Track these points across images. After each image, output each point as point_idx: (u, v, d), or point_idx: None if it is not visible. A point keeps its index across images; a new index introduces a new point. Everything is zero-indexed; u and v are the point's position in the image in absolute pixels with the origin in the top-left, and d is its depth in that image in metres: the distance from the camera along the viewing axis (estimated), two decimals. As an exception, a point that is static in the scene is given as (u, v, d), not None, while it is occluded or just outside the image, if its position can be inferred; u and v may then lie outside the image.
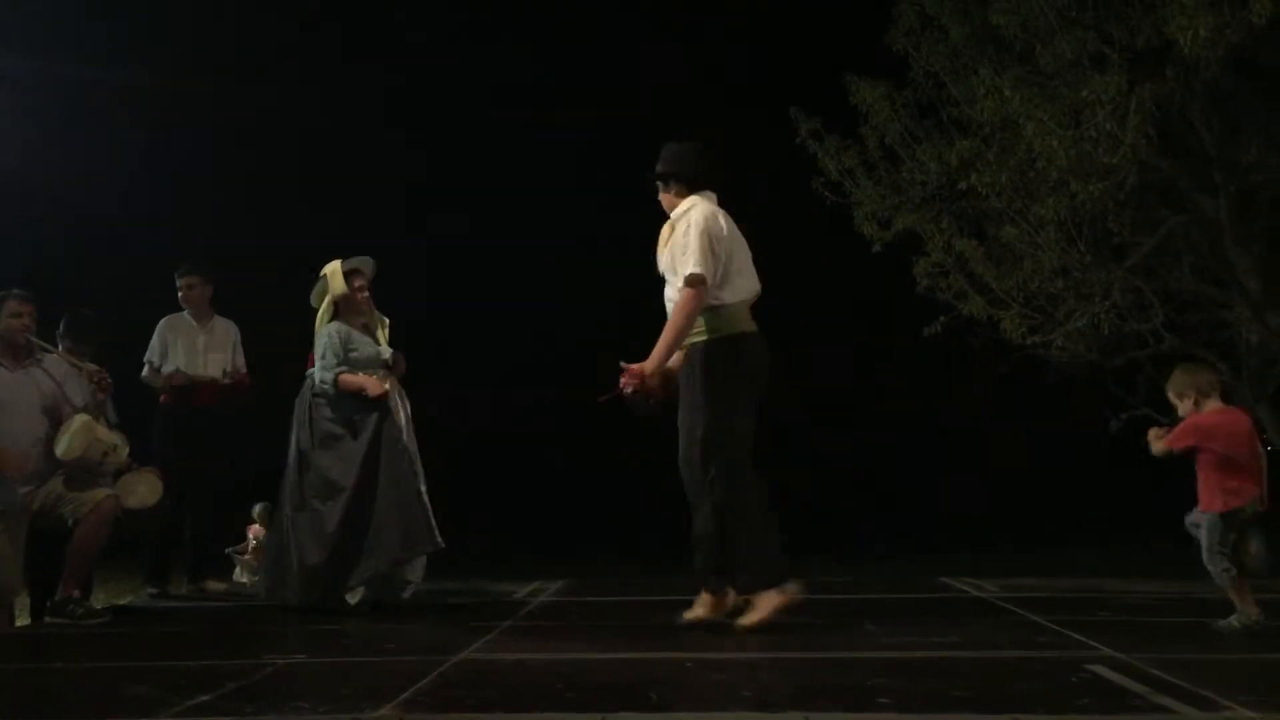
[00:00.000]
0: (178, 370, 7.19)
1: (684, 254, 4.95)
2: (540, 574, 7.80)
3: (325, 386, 6.02)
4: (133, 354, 7.35)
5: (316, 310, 6.26)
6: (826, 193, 10.27)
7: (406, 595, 6.06)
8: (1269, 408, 9.99)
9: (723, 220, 5.10)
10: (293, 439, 6.10)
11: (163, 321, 7.38)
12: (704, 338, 4.98)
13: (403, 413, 6.14)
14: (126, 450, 6.02)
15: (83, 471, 5.83)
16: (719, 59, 15.29)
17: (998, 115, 8.91)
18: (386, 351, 6.24)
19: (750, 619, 4.83)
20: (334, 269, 6.18)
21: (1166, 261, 9.88)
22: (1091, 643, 4.64)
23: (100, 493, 5.79)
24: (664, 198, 5.29)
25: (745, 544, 4.88)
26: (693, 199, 5.17)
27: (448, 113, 16.70)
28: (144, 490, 6.01)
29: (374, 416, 5.97)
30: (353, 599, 5.90)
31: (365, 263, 6.28)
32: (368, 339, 6.21)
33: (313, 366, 6.18)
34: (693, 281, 4.89)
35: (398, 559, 5.88)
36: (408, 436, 6.09)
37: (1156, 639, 4.80)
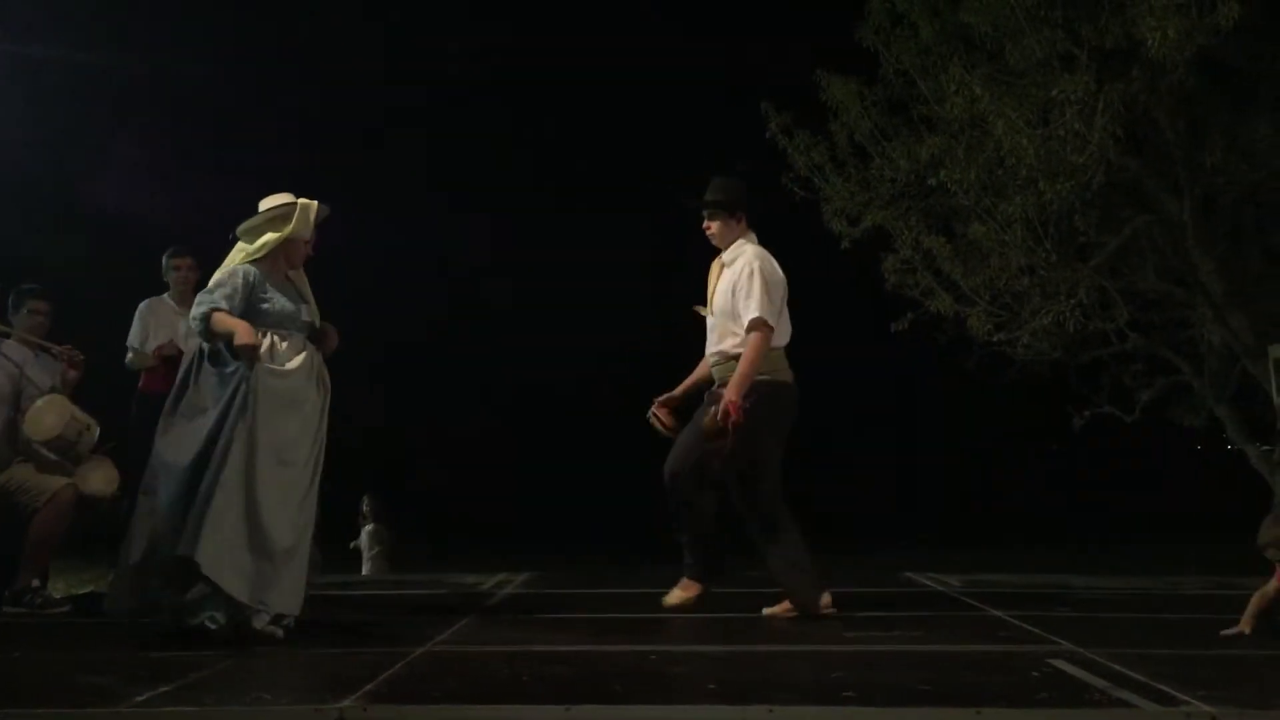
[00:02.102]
0: (170, 341, 7.08)
1: (747, 298, 5.18)
2: (505, 566, 7.79)
3: (195, 322, 4.81)
4: (87, 335, 7.24)
5: (237, 242, 5.08)
6: (796, 188, 10.29)
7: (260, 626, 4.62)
8: (1229, 408, 10.11)
9: (774, 262, 5.35)
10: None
11: (143, 304, 7.28)
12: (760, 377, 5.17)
13: (320, 399, 4.99)
14: (98, 431, 5.95)
15: (59, 453, 5.75)
16: (690, 52, 15.28)
17: (967, 113, 8.95)
18: (313, 315, 5.12)
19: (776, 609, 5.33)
20: (311, 205, 5.06)
21: (1131, 261, 9.98)
22: (1053, 637, 4.68)
23: (59, 481, 5.72)
24: (715, 227, 5.45)
25: (781, 568, 5.29)
26: (742, 239, 5.43)
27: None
28: (100, 479, 5.91)
29: (232, 386, 4.75)
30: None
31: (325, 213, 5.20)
32: (290, 294, 5.04)
33: None
34: (758, 325, 5.14)
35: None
36: (317, 429, 4.93)
37: (1117, 634, 4.85)
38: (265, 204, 5.05)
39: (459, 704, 3.39)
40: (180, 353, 7.05)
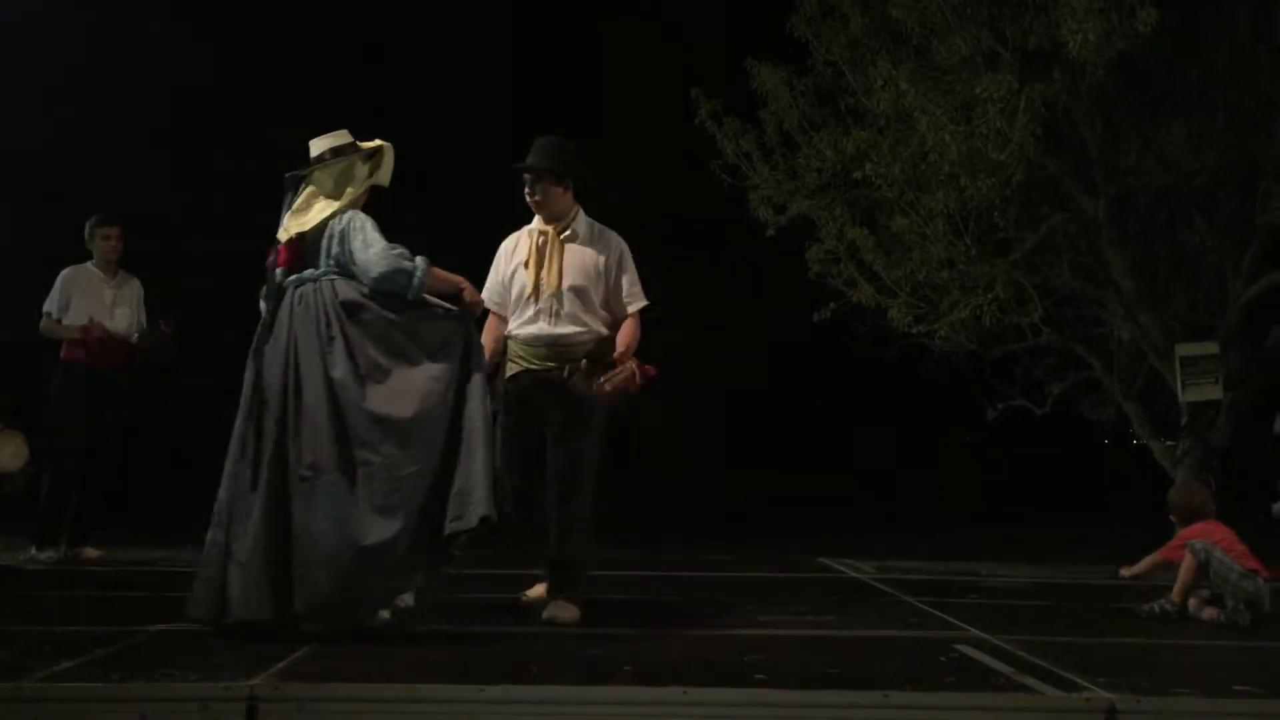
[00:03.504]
0: (93, 320, 6.92)
1: (633, 284, 4.98)
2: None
3: (411, 276, 4.24)
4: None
5: (303, 193, 4.48)
6: (724, 175, 10.33)
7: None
8: (1137, 404, 10.38)
9: None
10: (279, 372, 4.25)
11: (66, 272, 7.10)
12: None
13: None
14: None
15: None
16: (625, 36, 15.20)
17: (893, 107, 9.04)
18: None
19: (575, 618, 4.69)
20: (390, 149, 4.62)
21: (1047, 258, 10.17)
22: (961, 624, 4.79)
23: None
24: (540, 195, 4.91)
25: (585, 560, 4.88)
26: (576, 210, 5.00)
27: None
28: (8, 454, 5.77)
29: (461, 340, 4.38)
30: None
31: None
32: None
33: (283, 265, 4.41)
34: (639, 312, 4.95)
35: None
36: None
37: (1022, 621, 4.98)
38: (327, 141, 4.51)
39: (372, 682, 3.37)
40: (108, 334, 6.91)
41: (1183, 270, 10.23)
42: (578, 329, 4.88)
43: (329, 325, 4.25)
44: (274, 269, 4.43)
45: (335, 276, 4.33)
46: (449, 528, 4.16)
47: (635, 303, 5.01)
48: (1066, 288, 10.25)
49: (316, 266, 4.36)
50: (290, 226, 4.44)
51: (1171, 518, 5.45)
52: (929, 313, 9.81)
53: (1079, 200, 9.58)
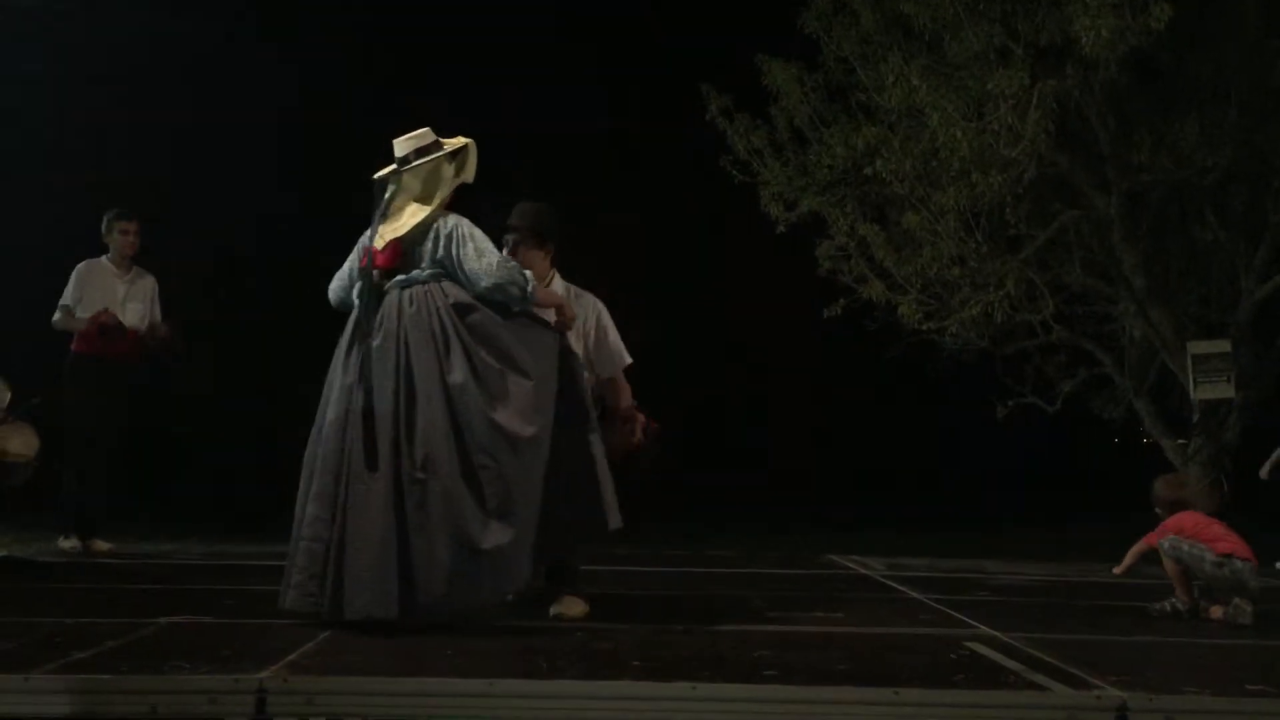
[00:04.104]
0: (106, 310, 6.93)
1: (616, 343, 5.04)
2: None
3: (524, 290, 4.35)
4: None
5: (392, 196, 4.48)
6: (734, 171, 10.32)
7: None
8: (1148, 401, 10.36)
9: None
10: (390, 371, 4.25)
11: (81, 266, 7.12)
12: None
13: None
14: (9, 396, 5.80)
15: None
16: (631, 32, 15.18)
17: (904, 103, 9.03)
18: None
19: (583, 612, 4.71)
20: (473, 146, 4.61)
21: (1058, 255, 10.16)
22: (970, 621, 4.78)
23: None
24: (521, 255, 4.85)
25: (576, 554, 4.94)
26: (554, 275, 5.04)
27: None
28: (18, 444, 5.78)
29: (560, 351, 4.50)
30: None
31: None
32: None
33: (382, 267, 4.39)
34: (626, 367, 5.04)
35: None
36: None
37: (1032, 619, 4.96)
38: (412, 142, 4.49)
39: (380, 675, 3.37)
40: (119, 323, 6.93)
41: (1195, 267, 10.20)
42: None
43: (443, 327, 4.28)
44: (369, 271, 4.42)
45: (443, 278, 4.38)
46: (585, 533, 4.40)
47: (619, 359, 5.07)
48: (1078, 284, 10.23)
49: (419, 268, 4.39)
50: (385, 233, 4.44)
51: (1156, 510, 5.44)
52: (940, 309, 9.79)
53: (1091, 197, 9.55)
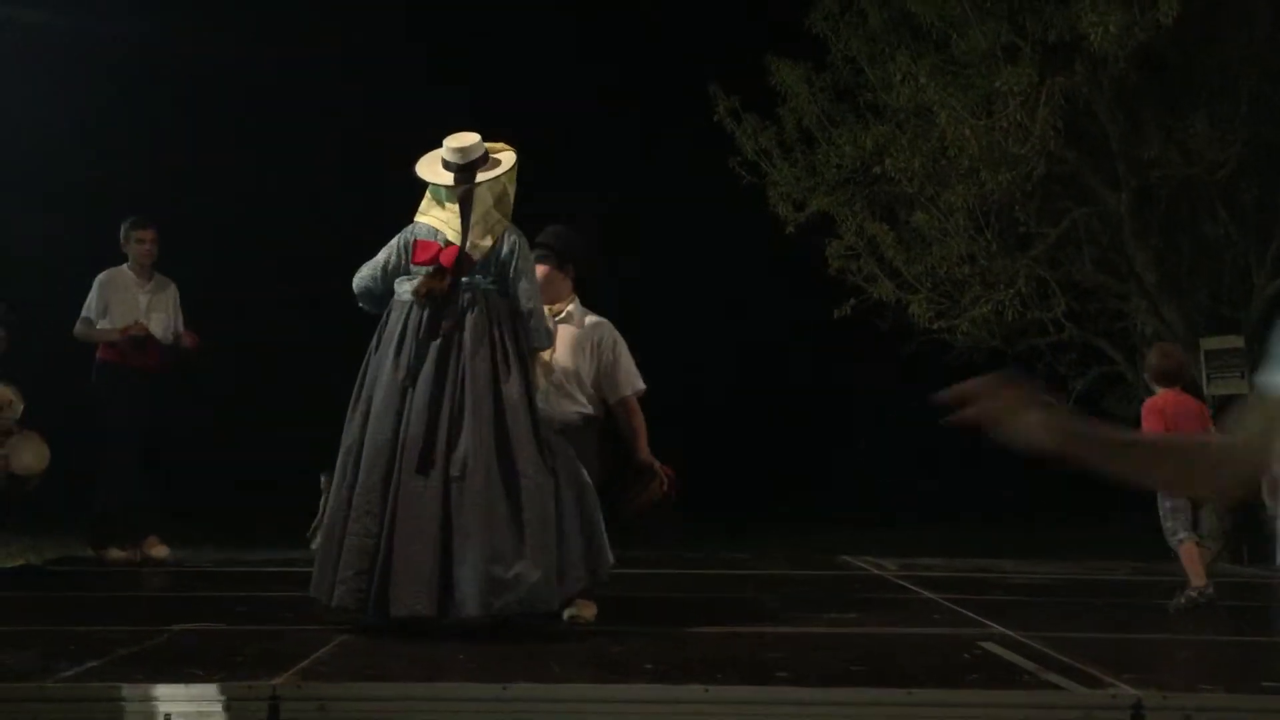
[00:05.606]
0: (137, 321, 6.88)
1: (629, 365, 5.03)
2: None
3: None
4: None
5: (473, 205, 4.49)
6: (742, 172, 10.32)
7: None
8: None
9: None
10: (446, 368, 4.31)
11: (102, 276, 7.02)
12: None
13: None
14: (22, 408, 5.80)
15: None
16: (640, 35, 15.21)
17: (913, 102, 9.03)
18: None
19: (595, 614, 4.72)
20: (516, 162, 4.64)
21: (1069, 252, 10.13)
22: (985, 621, 4.76)
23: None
24: (546, 277, 4.88)
25: None
26: (571, 299, 5.07)
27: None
28: (30, 456, 5.77)
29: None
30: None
31: None
32: None
33: (448, 267, 4.43)
34: (639, 394, 5.04)
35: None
36: None
37: (1046, 618, 4.95)
38: (471, 151, 4.51)
39: (393, 681, 3.37)
40: (147, 333, 6.89)
41: (1206, 263, 10.16)
42: (570, 406, 4.94)
43: (503, 336, 4.40)
44: (442, 272, 4.42)
45: (503, 289, 4.50)
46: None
47: (632, 385, 5.06)
48: (1089, 282, 10.20)
49: (482, 275, 4.46)
50: (479, 244, 4.45)
51: (1151, 384, 5.44)
52: (950, 308, 9.77)
53: (1100, 193, 9.53)
